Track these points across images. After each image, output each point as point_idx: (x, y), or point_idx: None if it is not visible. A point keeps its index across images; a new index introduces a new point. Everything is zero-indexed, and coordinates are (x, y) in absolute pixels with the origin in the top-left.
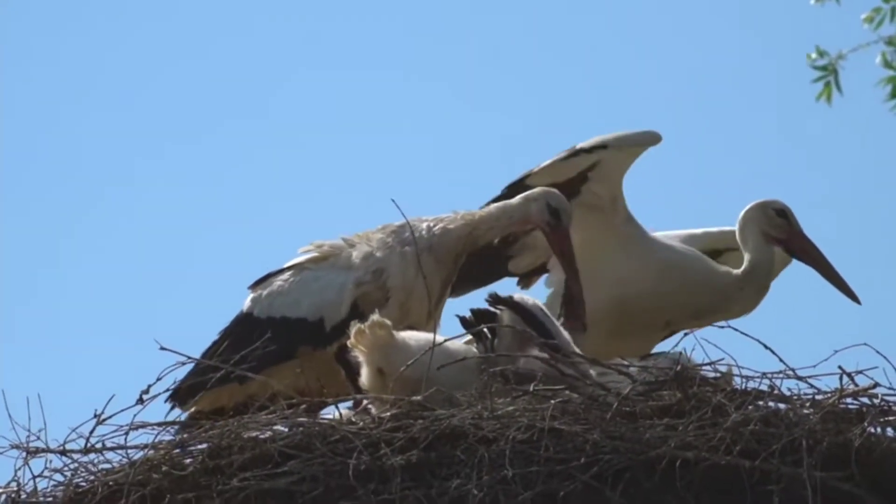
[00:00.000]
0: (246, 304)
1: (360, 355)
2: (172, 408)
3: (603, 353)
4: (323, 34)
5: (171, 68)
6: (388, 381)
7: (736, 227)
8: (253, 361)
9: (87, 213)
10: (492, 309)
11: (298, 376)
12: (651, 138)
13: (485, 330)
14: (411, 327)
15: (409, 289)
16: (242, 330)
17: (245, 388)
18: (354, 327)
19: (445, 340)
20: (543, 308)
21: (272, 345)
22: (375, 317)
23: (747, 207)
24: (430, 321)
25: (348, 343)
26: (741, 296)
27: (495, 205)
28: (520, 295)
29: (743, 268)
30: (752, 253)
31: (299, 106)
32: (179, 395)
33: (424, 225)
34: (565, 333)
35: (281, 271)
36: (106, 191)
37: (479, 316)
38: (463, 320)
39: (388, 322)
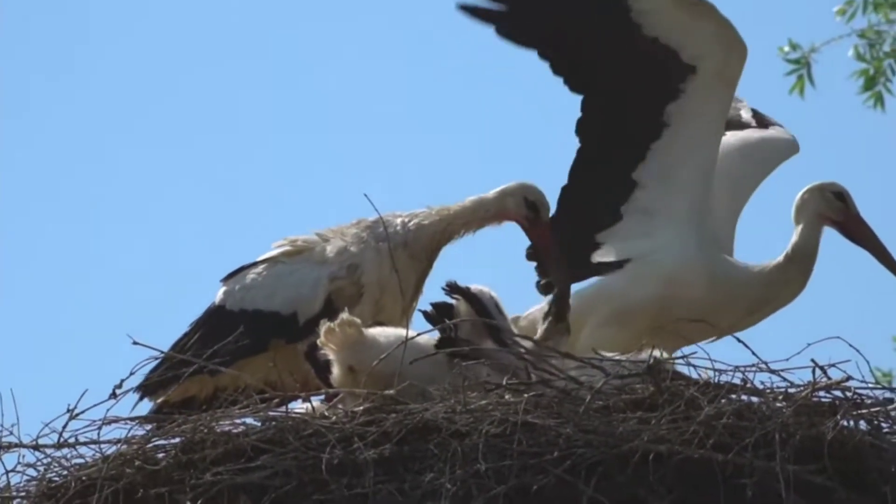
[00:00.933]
0: (218, 296)
1: (330, 353)
2: (141, 398)
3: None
4: (298, 29)
5: (143, 64)
6: (359, 379)
7: (792, 208)
8: (225, 354)
9: (57, 206)
10: (449, 300)
11: (270, 370)
12: None
13: (447, 322)
14: (381, 324)
15: (384, 285)
16: (214, 322)
17: (216, 380)
18: (324, 326)
19: (416, 335)
20: (498, 302)
21: (244, 338)
22: (345, 315)
23: (805, 189)
24: (404, 317)
25: (318, 342)
26: (787, 280)
27: (470, 199)
28: (479, 286)
29: (784, 253)
30: (799, 235)
31: (273, 101)
32: (149, 388)
33: (399, 220)
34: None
35: (254, 265)
36: (76, 185)
37: (439, 309)
38: (425, 314)
39: (358, 320)
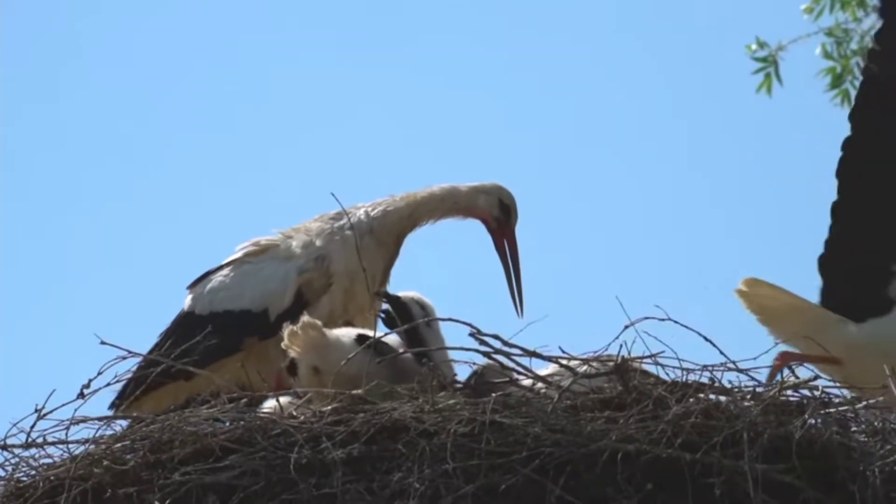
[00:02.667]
0: (186, 302)
1: (294, 356)
2: (116, 410)
3: None
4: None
5: (114, 65)
6: (324, 379)
7: None
8: (196, 357)
9: (24, 206)
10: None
11: (241, 371)
12: None
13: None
14: (348, 323)
15: (353, 273)
16: (184, 328)
17: (190, 386)
18: (287, 329)
19: (383, 336)
20: (430, 312)
21: (216, 339)
22: (306, 318)
23: None
24: (373, 305)
25: (282, 345)
26: None
27: (440, 186)
28: (411, 295)
29: None
30: None
31: (236, 102)
32: (125, 397)
33: (362, 210)
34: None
35: (220, 268)
36: (41, 185)
37: (393, 304)
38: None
39: (320, 322)
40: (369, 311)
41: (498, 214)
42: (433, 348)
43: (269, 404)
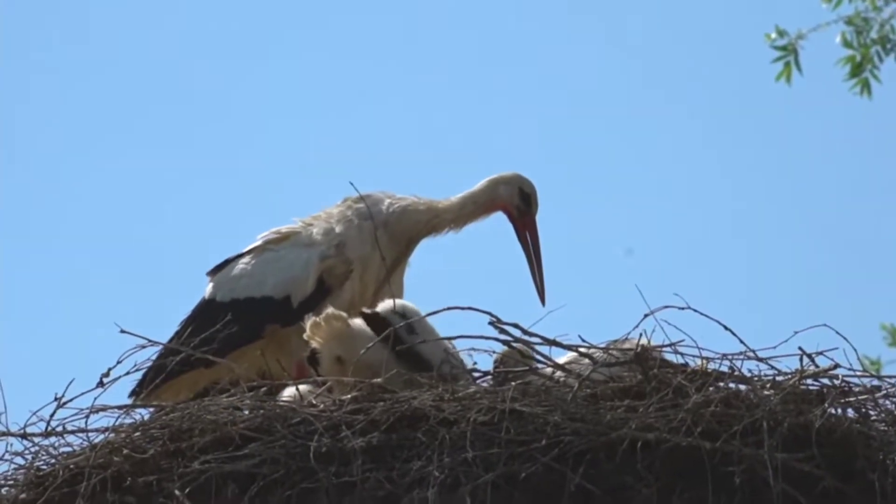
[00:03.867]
0: (207, 290)
1: (316, 345)
2: (136, 399)
3: None
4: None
5: (139, 45)
6: (346, 369)
7: None
8: (217, 344)
9: (45, 194)
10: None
11: (260, 360)
12: None
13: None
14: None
15: (366, 261)
16: (206, 316)
17: (210, 374)
18: (310, 321)
19: (404, 324)
20: (407, 317)
21: (238, 326)
22: (331, 309)
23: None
24: (376, 298)
25: (304, 336)
26: None
27: (458, 196)
28: (389, 307)
29: None
30: None
31: (264, 94)
32: (145, 385)
33: (387, 201)
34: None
35: (240, 256)
36: (63, 171)
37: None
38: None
39: (344, 314)
40: (375, 301)
41: (518, 203)
42: (443, 338)
43: (289, 392)
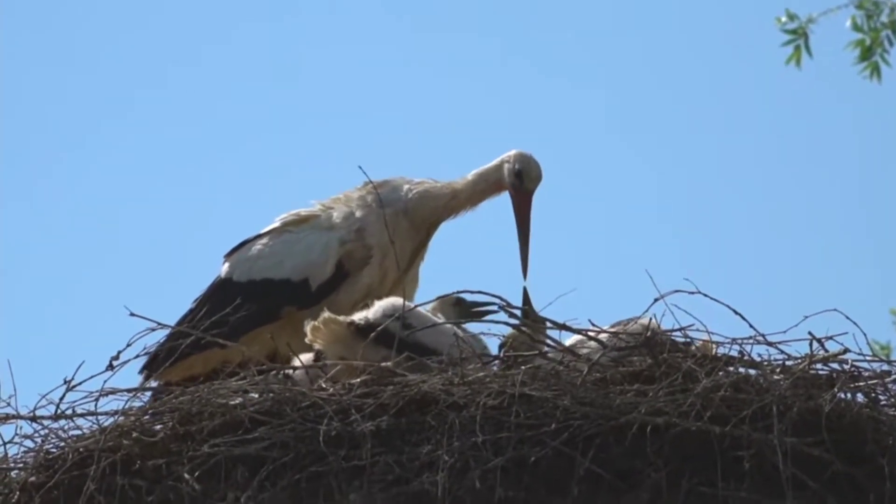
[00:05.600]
0: (223, 270)
1: (321, 348)
2: (147, 378)
3: None
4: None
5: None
6: (354, 370)
7: None
8: (232, 325)
9: (51, 177)
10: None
11: (271, 343)
12: None
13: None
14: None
15: (386, 248)
16: (221, 295)
17: (224, 354)
18: (309, 325)
19: (414, 307)
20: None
21: (255, 307)
22: (326, 313)
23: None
24: (397, 286)
25: (306, 340)
26: None
27: (472, 173)
28: (382, 309)
29: None
30: None
31: (277, 85)
32: (155, 365)
33: (406, 186)
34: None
35: (258, 237)
36: (69, 154)
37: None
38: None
39: (341, 317)
40: (398, 288)
41: (513, 181)
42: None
43: (299, 374)
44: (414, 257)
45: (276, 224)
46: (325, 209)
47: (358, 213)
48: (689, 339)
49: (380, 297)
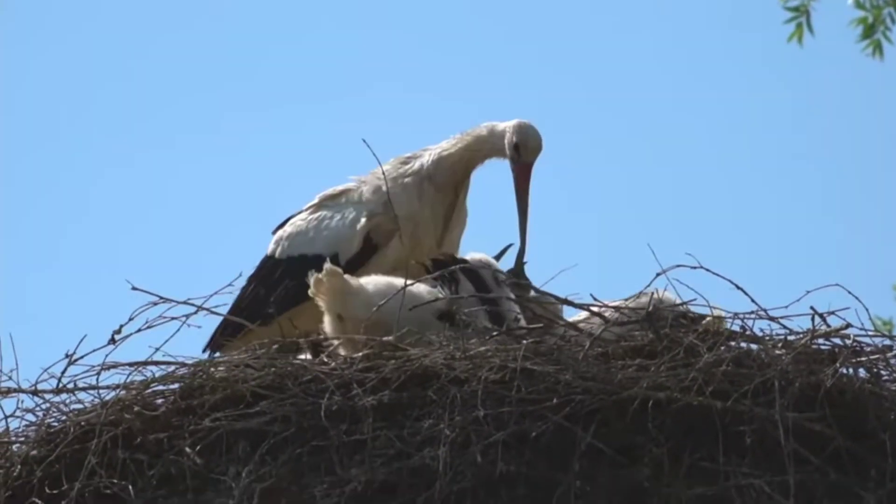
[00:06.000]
0: (269, 246)
1: (321, 303)
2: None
3: None
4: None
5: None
6: (347, 327)
7: None
8: (274, 303)
9: (54, 154)
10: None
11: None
12: None
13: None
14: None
15: (415, 218)
16: (266, 272)
17: (273, 331)
18: (313, 277)
19: (411, 283)
20: (494, 269)
21: (293, 283)
22: (328, 265)
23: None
24: (439, 249)
25: (309, 292)
26: None
27: (485, 125)
28: (478, 255)
29: None
30: None
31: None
32: (215, 343)
33: (426, 155)
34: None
35: (300, 212)
36: (72, 133)
37: (439, 265)
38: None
39: (339, 270)
40: (437, 253)
41: (512, 153)
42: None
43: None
44: (447, 221)
45: (315, 200)
46: (360, 183)
47: (384, 187)
48: (699, 315)
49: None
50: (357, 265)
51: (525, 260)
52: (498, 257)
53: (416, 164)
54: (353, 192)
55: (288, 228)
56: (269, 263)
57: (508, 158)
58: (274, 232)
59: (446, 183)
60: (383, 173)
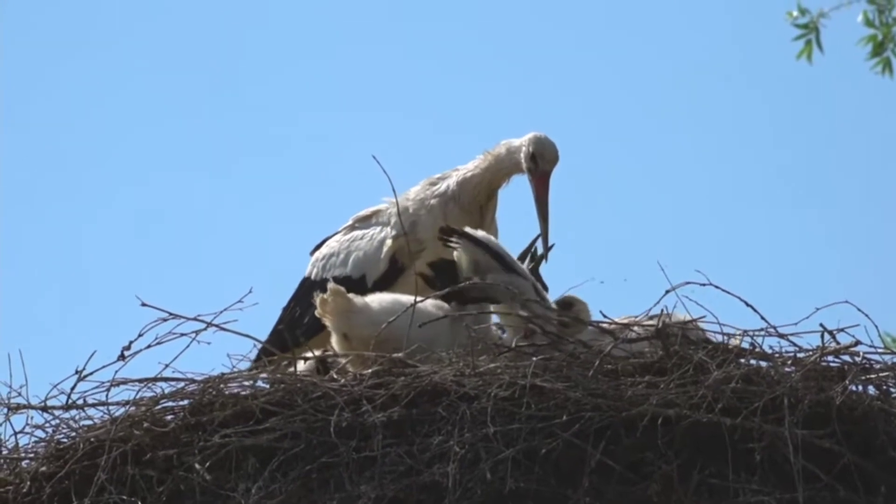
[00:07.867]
0: (307, 268)
1: (327, 322)
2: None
3: None
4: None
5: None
6: (353, 346)
7: None
8: (306, 325)
9: (65, 165)
10: (450, 246)
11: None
12: None
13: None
14: None
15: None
16: (304, 294)
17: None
18: (318, 297)
19: (421, 300)
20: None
21: None
22: (332, 284)
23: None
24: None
25: (316, 313)
26: None
27: (503, 143)
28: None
29: None
30: None
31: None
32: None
33: (453, 176)
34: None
35: (335, 234)
36: (82, 142)
37: (438, 268)
38: (425, 279)
39: (343, 289)
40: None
41: (528, 164)
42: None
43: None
44: None
45: (349, 221)
46: (392, 205)
47: (412, 209)
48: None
49: None
50: (383, 286)
51: (545, 258)
52: (526, 252)
53: (443, 186)
54: (382, 213)
55: (323, 250)
56: (305, 284)
57: (526, 170)
58: (311, 253)
59: (471, 203)
60: (396, 195)
